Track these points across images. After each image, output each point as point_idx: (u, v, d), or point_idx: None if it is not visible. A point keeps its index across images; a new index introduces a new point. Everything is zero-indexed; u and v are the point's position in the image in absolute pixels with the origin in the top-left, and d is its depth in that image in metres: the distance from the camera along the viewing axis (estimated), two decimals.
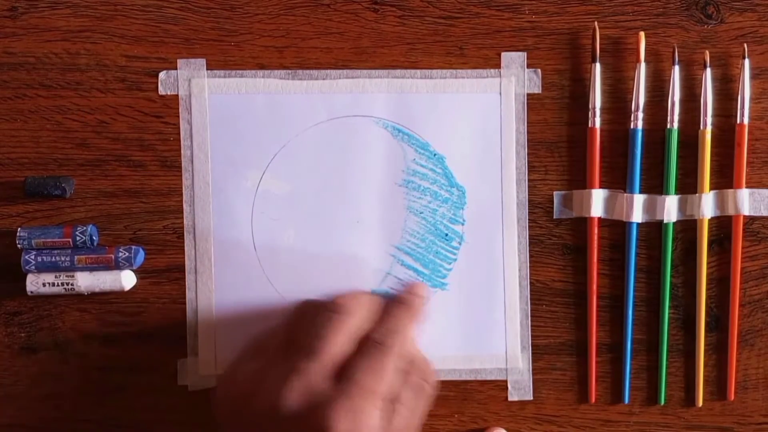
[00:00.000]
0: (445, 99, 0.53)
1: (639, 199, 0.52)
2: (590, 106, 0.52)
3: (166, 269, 0.53)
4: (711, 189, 0.52)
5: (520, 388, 0.53)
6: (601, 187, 0.53)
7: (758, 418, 0.53)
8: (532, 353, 0.53)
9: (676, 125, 0.52)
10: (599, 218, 0.53)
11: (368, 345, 0.45)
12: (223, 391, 0.46)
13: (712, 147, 0.52)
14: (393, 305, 0.48)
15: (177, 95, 0.52)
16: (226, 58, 0.52)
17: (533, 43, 0.53)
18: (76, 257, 0.51)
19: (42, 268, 0.51)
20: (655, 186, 0.53)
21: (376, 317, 0.47)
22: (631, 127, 0.52)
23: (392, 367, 0.45)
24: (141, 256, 0.52)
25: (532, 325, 0.53)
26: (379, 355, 0.44)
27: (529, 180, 0.53)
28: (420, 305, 0.48)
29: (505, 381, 0.53)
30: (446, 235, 0.53)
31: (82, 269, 0.51)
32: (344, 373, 0.44)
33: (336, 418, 0.42)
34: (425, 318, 0.49)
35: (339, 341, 0.44)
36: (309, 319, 0.46)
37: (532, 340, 0.53)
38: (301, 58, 0.52)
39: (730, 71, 0.53)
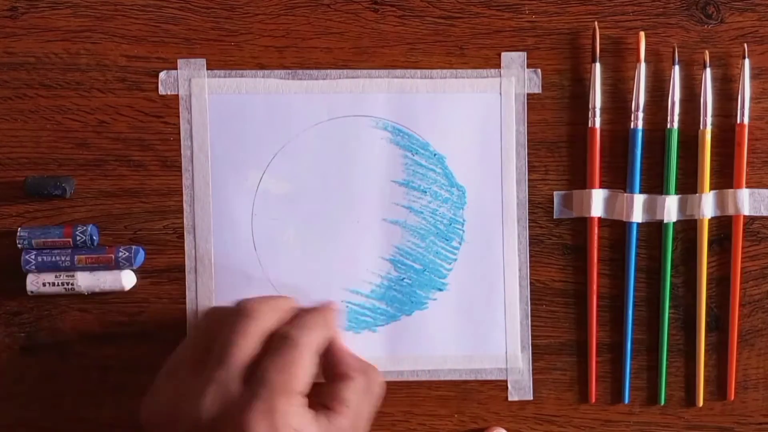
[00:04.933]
0: (445, 99, 0.53)
1: (639, 199, 0.52)
2: (590, 106, 0.52)
3: (166, 269, 0.53)
4: (711, 189, 0.52)
5: (520, 388, 0.53)
6: (601, 187, 0.53)
7: (758, 418, 0.53)
8: (532, 353, 0.53)
9: (676, 125, 0.52)
10: (599, 218, 0.53)
11: (275, 341, 0.44)
12: (146, 418, 0.45)
13: (712, 147, 0.52)
14: (303, 310, 0.47)
15: (177, 95, 0.52)
16: (226, 58, 0.52)
17: (533, 43, 0.53)
18: (76, 257, 0.51)
19: (42, 268, 0.51)
20: (655, 186, 0.53)
21: (286, 318, 0.46)
22: (631, 127, 0.52)
23: (304, 361, 0.43)
24: (141, 256, 0.52)
25: (532, 325, 0.53)
26: (287, 350, 0.43)
27: (529, 180, 0.53)
28: (331, 312, 0.47)
29: (505, 381, 0.53)
30: (446, 235, 0.53)
31: (83, 269, 0.51)
32: (255, 374, 0.42)
33: (252, 423, 0.41)
34: (338, 327, 0.48)
35: (248, 344, 0.43)
36: (217, 326, 0.45)
37: (532, 340, 0.53)
38: (301, 58, 0.52)
39: (730, 71, 0.53)
